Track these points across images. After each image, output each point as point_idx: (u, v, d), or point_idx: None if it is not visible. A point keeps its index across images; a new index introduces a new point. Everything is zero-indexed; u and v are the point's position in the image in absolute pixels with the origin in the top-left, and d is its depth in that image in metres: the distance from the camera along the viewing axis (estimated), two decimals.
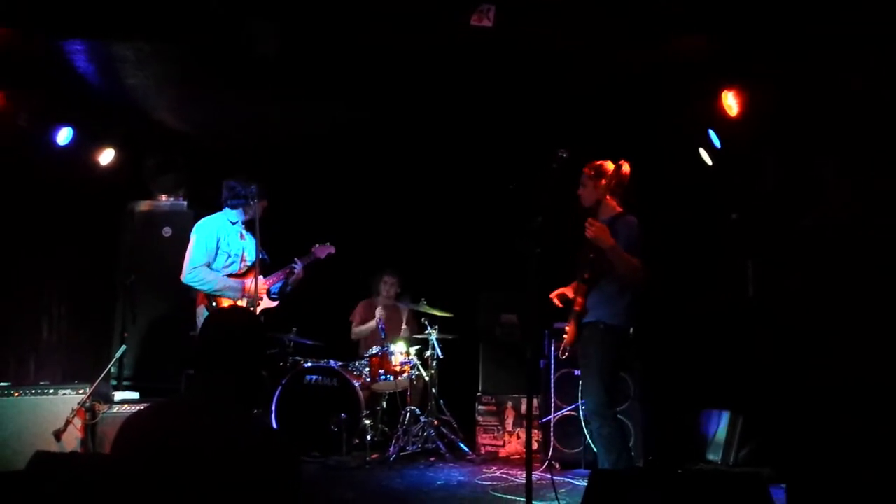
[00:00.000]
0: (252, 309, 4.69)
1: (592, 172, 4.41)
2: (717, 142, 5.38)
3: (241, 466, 1.94)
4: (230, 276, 5.13)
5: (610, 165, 4.39)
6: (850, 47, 3.79)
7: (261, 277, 5.08)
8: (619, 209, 4.42)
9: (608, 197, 4.38)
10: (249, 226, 5.27)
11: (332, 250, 5.73)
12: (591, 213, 4.32)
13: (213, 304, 5.01)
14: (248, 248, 5.31)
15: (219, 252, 5.14)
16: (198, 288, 5.03)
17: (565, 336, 4.53)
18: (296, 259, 5.49)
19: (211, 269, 5.08)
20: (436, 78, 5.42)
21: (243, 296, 5.04)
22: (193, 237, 5.13)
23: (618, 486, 2.74)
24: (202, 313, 5.07)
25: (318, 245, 5.67)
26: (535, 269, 3.71)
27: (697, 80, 4.94)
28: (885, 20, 3.66)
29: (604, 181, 4.34)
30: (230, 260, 5.18)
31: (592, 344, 4.32)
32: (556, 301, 4.68)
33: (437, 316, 6.38)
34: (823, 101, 3.97)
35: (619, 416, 4.44)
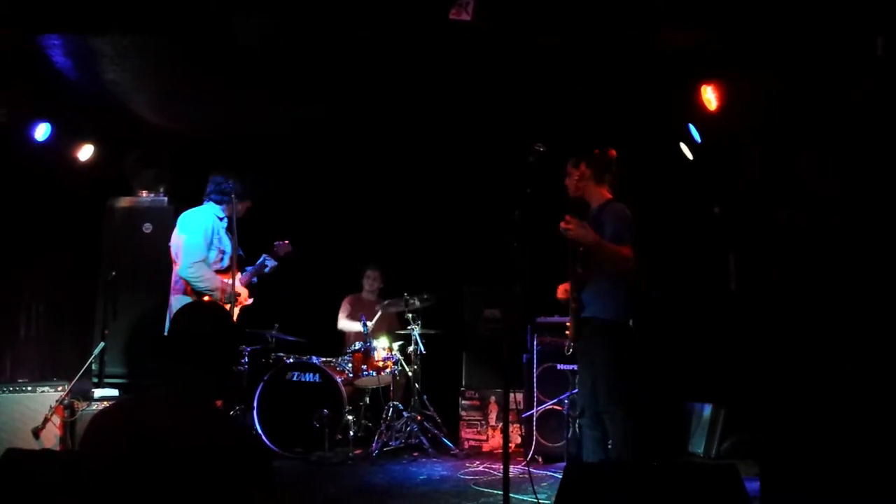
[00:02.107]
0: (229, 306, 4.61)
1: (574, 161, 4.33)
2: (697, 136, 5.40)
3: (210, 463, 1.93)
4: (219, 272, 5.03)
5: (596, 152, 4.32)
6: (829, 40, 3.80)
7: (239, 275, 5.02)
8: (608, 196, 4.33)
9: (595, 185, 4.30)
10: (227, 223, 5.19)
11: (289, 248, 5.65)
12: (577, 202, 4.25)
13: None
14: (228, 245, 5.20)
15: (211, 248, 5.00)
16: (194, 285, 4.87)
17: (567, 332, 4.42)
18: (266, 256, 5.47)
19: (206, 265, 4.96)
20: (416, 71, 5.41)
21: (229, 296, 4.94)
22: (191, 229, 4.97)
23: (593, 480, 2.74)
24: (176, 305, 4.95)
25: (277, 242, 5.62)
26: (515, 263, 3.69)
27: (677, 74, 4.95)
28: (865, 14, 3.68)
29: (585, 169, 4.28)
30: (220, 256, 5.04)
31: (592, 342, 4.23)
32: (563, 294, 4.50)
33: (419, 310, 6.37)
34: (802, 94, 3.98)
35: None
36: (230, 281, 4.92)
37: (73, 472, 2.17)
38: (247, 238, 5.32)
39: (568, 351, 4.44)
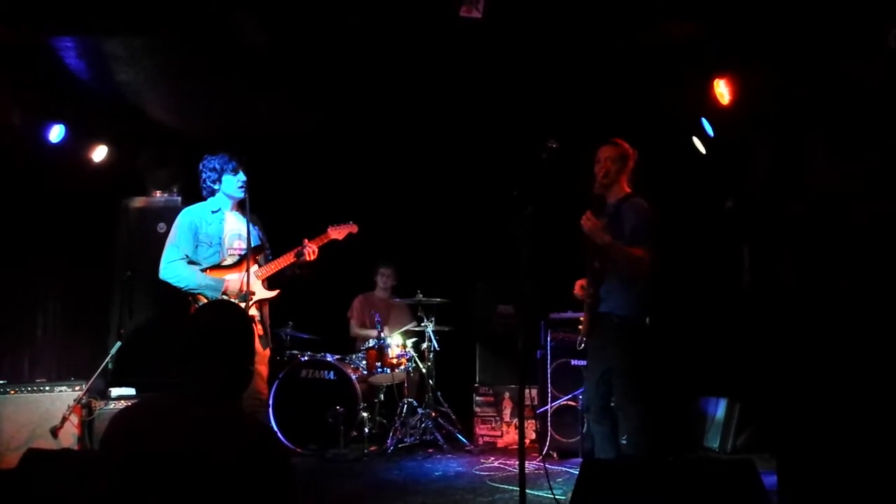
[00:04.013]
0: (244, 304, 4.49)
1: (619, 153, 4.24)
2: (710, 130, 5.38)
3: (229, 463, 1.94)
4: (213, 268, 4.60)
5: (626, 146, 4.26)
6: (841, 33, 3.78)
7: (255, 267, 4.60)
8: (627, 190, 4.27)
9: (622, 178, 4.26)
10: (242, 208, 4.66)
11: (354, 229, 5.06)
12: (602, 195, 4.21)
13: (195, 303, 4.52)
14: (233, 235, 4.69)
15: (199, 244, 4.60)
16: (174, 285, 4.53)
17: (581, 327, 4.38)
18: (305, 241, 4.81)
19: (190, 262, 4.57)
20: (427, 67, 5.41)
21: (223, 293, 4.52)
22: (171, 231, 4.67)
23: (609, 475, 2.74)
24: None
25: (333, 225, 5.03)
26: (527, 259, 3.68)
27: (689, 67, 4.93)
28: (877, 6, 3.65)
29: (630, 163, 4.24)
30: (211, 250, 4.61)
31: (607, 339, 4.18)
32: (580, 290, 4.42)
33: (433, 307, 6.38)
34: (814, 87, 3.96)
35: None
36: (235, 276, 4.55)
37: (92, 472, 2.18)
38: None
39: (580, 346, 4.41)
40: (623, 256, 4.06)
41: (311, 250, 4.76)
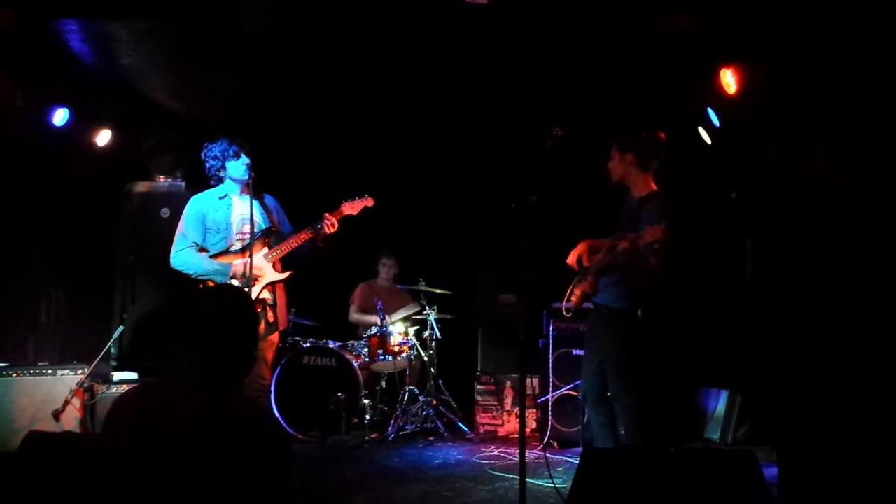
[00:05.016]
0: (247, 290, 4.47)
1: (620, 145, 4.15)
2: (716, 120, 5.35)
3: (230, 447, 1.94)
4: (222, 254, 4.59)
5: (643, 136, 4.15)
6: (847, 25, 3.75)
7: (265, 250, 4.62)
8: (653, 187, 4.15)
9: (640, 172, 4.14)
10: (255, 194, 4.66)
11: (370, 202, 4.97)
12: (621, 188, 4.15)
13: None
14: (242, 220, 4.62)
15: (207, 231, 4.60)
16: (185, 272, 4.54)
17: (573, 298, 4.33)
18: (325, 214, 4.74)
19: (201, 250, 4.58)
20: (431, 56, 5.39)
21: (232, 277, 4.53)
22: (180, 220, 4.68)
23: (610, 465, 2.74)
24: None
25: (347, 200, 4.91)
26: (530, 249, 3.67)
27: (695, 57, 4.90)
28: (878, 4, 3.63)
29: (631, 155, 4.14)
30: (219, 236, 4.60)
31: (601, 330, 4.21)
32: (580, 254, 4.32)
33: (435, 295, 6.38)
34: (820, 78, 3.93)
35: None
36: (242, 261, 4.50)
37: (93, 455, 2.18)
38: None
39: (567, 313, 4.38)
40: (634, 270, 3.99)
41: (330, 223, 4.71)
